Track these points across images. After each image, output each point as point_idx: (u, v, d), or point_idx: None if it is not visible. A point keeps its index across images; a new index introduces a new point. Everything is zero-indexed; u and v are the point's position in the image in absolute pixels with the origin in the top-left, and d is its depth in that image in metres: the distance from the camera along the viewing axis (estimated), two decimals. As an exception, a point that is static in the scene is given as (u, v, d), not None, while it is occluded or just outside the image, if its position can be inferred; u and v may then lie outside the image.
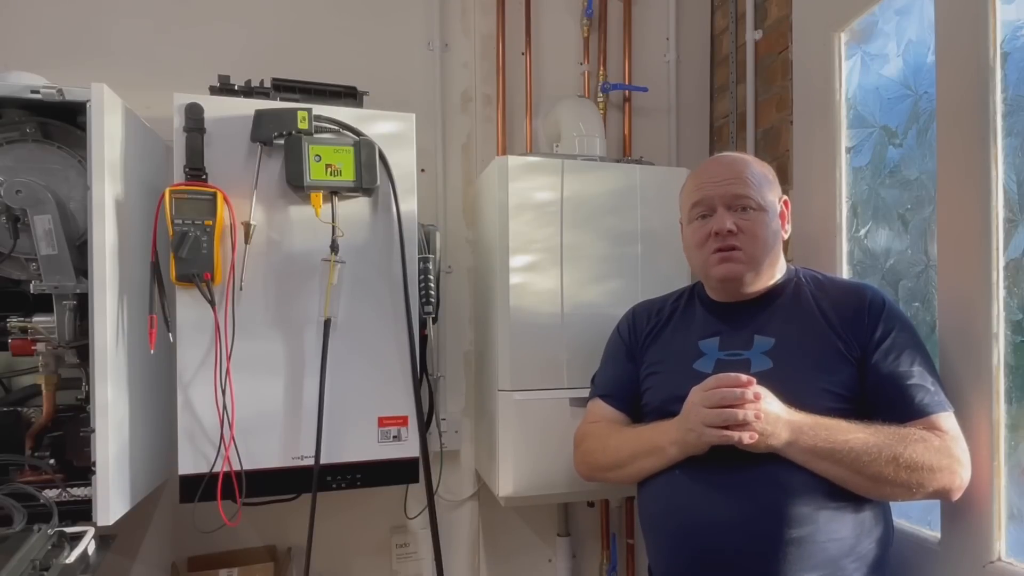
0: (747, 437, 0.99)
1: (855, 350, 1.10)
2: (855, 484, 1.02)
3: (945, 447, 1.02)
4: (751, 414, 0.99)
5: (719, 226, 1.14)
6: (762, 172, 1.19)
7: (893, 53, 1.40)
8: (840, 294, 1.17)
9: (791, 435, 1.01)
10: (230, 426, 1.28)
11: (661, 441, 1.11)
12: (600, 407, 1.28)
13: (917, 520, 1.25)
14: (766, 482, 1.03)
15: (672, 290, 1.35)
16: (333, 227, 1.34)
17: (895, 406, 1.05)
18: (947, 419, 1.05)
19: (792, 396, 1.05)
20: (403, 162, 1.42)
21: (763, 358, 1.12)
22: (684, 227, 1.25)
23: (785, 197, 1.23)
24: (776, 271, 1.21)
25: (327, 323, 1.35)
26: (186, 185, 1.27)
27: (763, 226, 1.15)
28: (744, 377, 1.02)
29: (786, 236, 1.22)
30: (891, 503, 1.12)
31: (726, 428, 1.00)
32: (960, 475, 1.03)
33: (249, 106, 1.33)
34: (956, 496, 1.04)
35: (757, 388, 1.02)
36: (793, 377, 1.08)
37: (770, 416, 1.00)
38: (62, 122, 1.23)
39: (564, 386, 1.48)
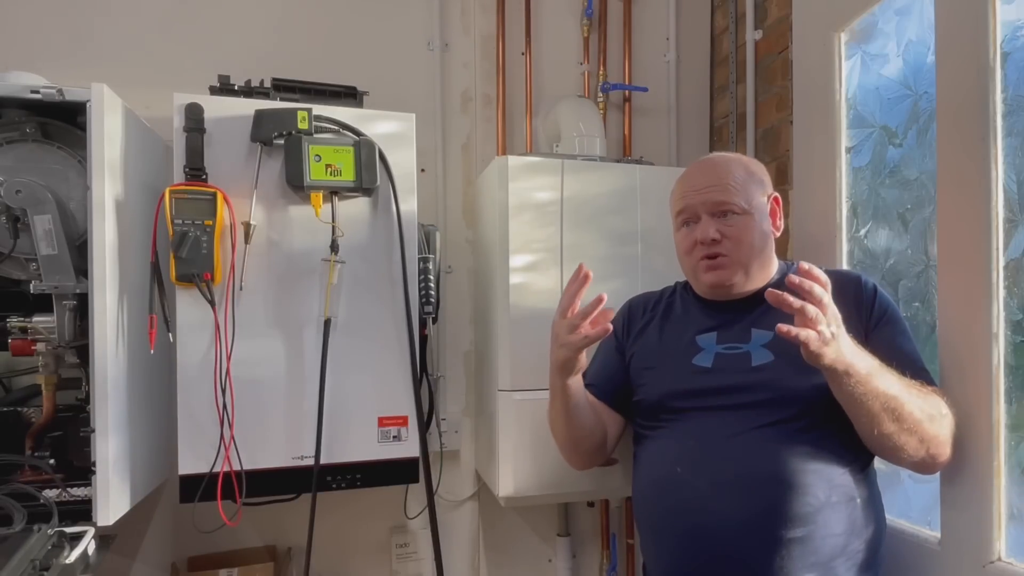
0: (813, 339, 0.90)
1: (858, 335, 1.08)
2: (880, 424, 0.98)
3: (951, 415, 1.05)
4: (815, 312, 0.90)
5: (703, 235, 1.14)
6: (746, 173, 1.18)
7: (893, 53, 1.40)
8: (836, 284, 1.16)
9: (851, 356, 0.95)
10: (230, 426, 1.28)
11: (550, 379, 1.14)
12: None
13: (917, 520, 1.25)
14: (772, 478, 1.03)
15: (672, 290, 1.35)
16: (333, 227, 1.34)
17: None
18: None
19: (795, 387, 1.05)
20: (403, 162, 1.42)
21: (763, 351, 1.12)
22: (674, 233, 1.25)
23: (775, 194, 1.22)
24: (769, 271, 1.21)
25: (327, 323, 1.35)
26: (186, 185, 1.27)
27: (748, 230, 1.15)
28: (818, 277, 0.93)
29: (778, 233, 1.22)
30: (885, 506, 1.12)
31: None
32: (950, 447, 1.05)
33: (249, 106, 1.33)
34: (937, 470, 1.07)
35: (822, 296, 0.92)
36: (795, 368, 1.06)
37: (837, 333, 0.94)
38: (62, 122, 1.23)
39: (564, 386, 1.48)
